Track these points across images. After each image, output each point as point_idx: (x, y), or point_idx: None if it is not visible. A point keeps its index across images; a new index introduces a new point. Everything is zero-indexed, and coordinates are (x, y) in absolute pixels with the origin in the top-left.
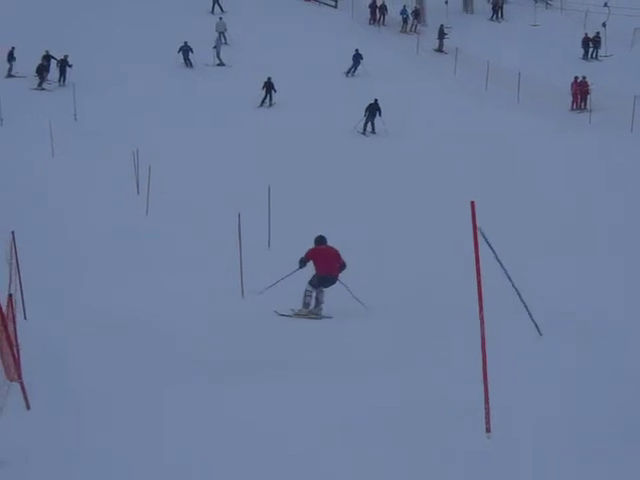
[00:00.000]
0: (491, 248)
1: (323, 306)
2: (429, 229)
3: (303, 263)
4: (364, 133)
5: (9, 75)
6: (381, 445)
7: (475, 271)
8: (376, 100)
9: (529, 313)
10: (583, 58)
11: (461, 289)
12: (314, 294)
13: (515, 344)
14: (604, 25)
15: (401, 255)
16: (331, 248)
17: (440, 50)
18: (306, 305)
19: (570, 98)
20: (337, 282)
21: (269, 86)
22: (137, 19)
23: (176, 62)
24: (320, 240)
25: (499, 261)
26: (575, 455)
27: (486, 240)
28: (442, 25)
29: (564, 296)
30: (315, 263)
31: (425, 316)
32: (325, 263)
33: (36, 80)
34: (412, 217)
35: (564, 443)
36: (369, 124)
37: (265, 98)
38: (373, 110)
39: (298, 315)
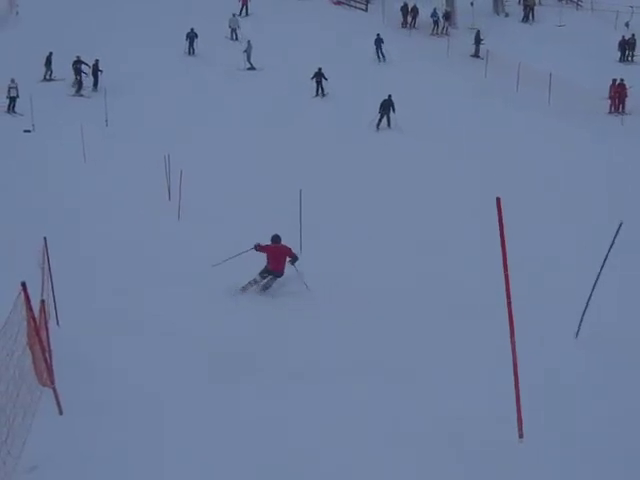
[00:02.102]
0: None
1: (269, 291)
2: (451, 229)
3: (256, 249)
4: (377, 129)
5: (45, 79)
6: (415, 451)
7: (504, 276)
8: (390, 96)
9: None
10: (620, 60)
11: (485, 289)
12: (257, 279)
13: (545, 349)
14: (627, 25)
15: (422, 255)
16: (282, 246)
17: (476, 55)
18: (247, 286)
19: (608, 101)
20: (283, 274)
21: (320, 76)
22: (169, 23)
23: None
24: (274, 239)
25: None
26: (605, 462)
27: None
28: (478, 30)
29: (599, 304)
30: (267, 257)
31: (451, 318)
32: (273, 259)
33: (74, 87)
34: (433, 218)
35: (595, 449)
36: (384, 120)
37: (318, 89)
38: (387, 106)
39: (243, 289)
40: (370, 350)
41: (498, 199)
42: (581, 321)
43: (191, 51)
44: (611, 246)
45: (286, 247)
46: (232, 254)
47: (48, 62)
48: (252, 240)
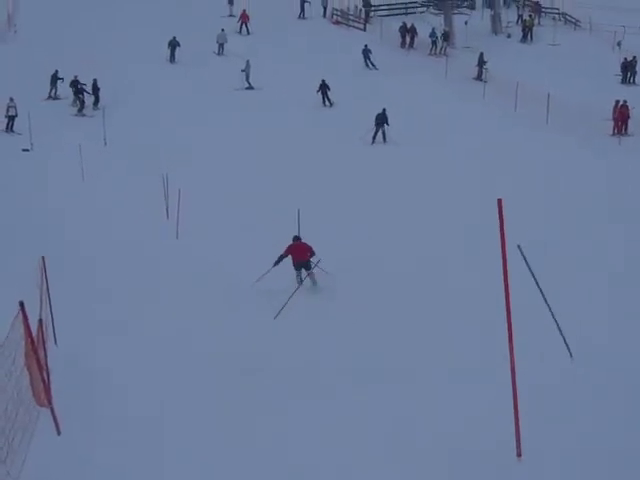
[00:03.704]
0: (528, 266)
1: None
2: (450, 243)
3: (281, 260)
4: (373, 142)
5: (50, 97)
6: (414, 468)
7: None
8: (384, 109)
9: (562, 335)
10: (622, 82)
11: (483, 300)
12: (297, 278)
13: (544, 365)
14: (619, 45)
15: (422, 264)
16: (303, 243)
17: (479, 78)
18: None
19: (611, 122)
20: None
21: (324, 87)
22: (163, 40)
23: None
24: (295, 239)
25: (536, 280)
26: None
27: (524, 257)
28: (482, 53)
29: (596, 323)
30: (292, 256)
31: (450, 332)
32: (297, 254)
33: (74, 106)
34: (432, 232)
35: (594, 468)
36: (379, 134)
37: (324, 99)
38: (381, 120)
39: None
40: (370, 362)
41: (499, 200)
42: (564, 340)
43: (172, 59)
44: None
45: (306, 244)
46: (265, 270)
47: (54, 80)
48: (250, 258)
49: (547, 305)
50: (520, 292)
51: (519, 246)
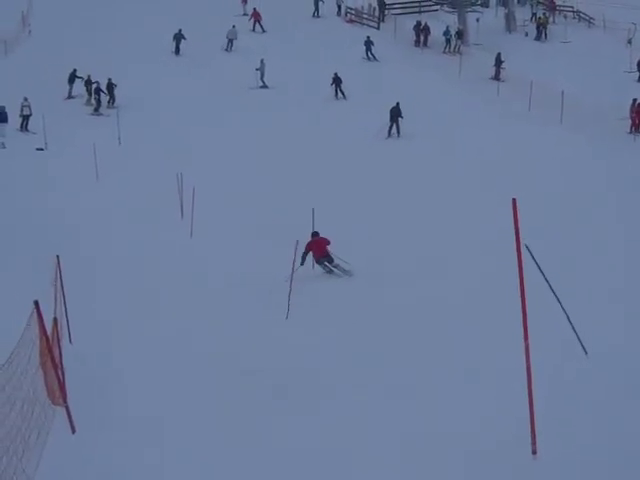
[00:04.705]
0: (538, 266)
1: (334, 268)
2: (461, 241)
3: (304, 259)
4: (389, 135)
5: (70, 97)
6: (427, 468)
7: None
8: (398, 103)
9: (575, 333)
10: (638, 80)
11: (496, 298)
12: (324, 267)
13: (558, 363)
14: (630, 42)
15: (434, 265)
16: (322, 238)
17: (497, 78)
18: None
19: (628, 121)
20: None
21: (338, 81)
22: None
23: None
24: (314, 234)
25: (545, 278)
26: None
27: (532, 257)
28: (499, 53)
29: (612, 323)
30: (312, 251)
31: (462, 329)
32: (318, 249)
33: (87, 106)
34: (444, 230)
35: (609, 466)
36: (394, 127)
37: (337, 92)
38: (395, 113)
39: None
40: (378, 363)
41: (514, 200)
42: (578, 337)
43: (177, 51)
44: None
45: (325, 238)
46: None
47: (72, 79)
48: (264, 257)
49: (559, 303)
50: (533, 291)
51: (526, 245)
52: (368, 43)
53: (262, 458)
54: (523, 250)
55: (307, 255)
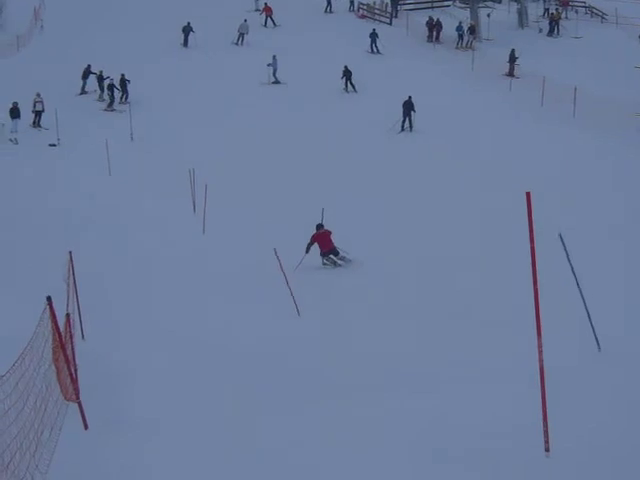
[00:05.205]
0: (567, 257)
1: (339, 260)
2: (474, 236)
3: (309, 248)
4: (402, 129)
5: (83, 92)
6: (439, 467)
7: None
8: (410, 97)
9: (592, 328)
10: None
11: (510, 297)
12: (328, 260)
13: (572, 359)
14: None
15: (448, 263)
16: (326, 231)
17: (511, 74)
18: (330, 264)
19: None
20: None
21: (347, 73)
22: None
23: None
24: (319, 227)
25: (573, 272)
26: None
27: (564, 246)
28: (513, 49)
29: (628, 320)
30: (318, 243)
31: (473, 327)
32: (323, 242)
33: (99, 101)
34: (457, 224)
35: (624, 464)
36: (407, 121)
37: (347, 84)
38: (408, 107)
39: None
40: (389, 362)
41: (528, 194)
42: (594, 332)
43: (185, 44)
44: None
45: (328, 230)
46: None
47: (86, 75)
48: (279, 252)
49: (582, 299)
50: (547, 286)
51: (560, 235)
52: (373, 35)
53: (278, 459)
54: (556, 240)
55: (312, 246)
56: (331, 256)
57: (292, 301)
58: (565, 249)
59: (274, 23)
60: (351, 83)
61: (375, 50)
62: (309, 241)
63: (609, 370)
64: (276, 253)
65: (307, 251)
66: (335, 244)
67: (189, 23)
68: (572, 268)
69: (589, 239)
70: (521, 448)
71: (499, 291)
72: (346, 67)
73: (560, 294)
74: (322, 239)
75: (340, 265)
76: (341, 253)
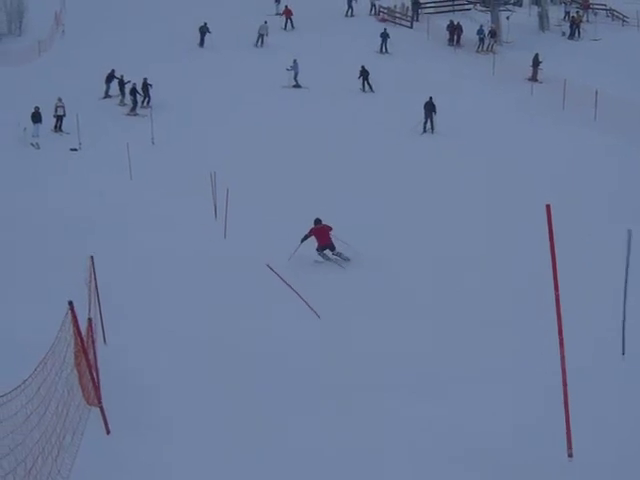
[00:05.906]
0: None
1: (334, 256)
2: (493, 238)
3: (304, 238)
4: (424, 130)
5: (107, 96)
6: (461, 470)
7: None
8: (431, 98)
9: (623, 331)
10: None
11: (528, 297)
12: (323, 256)
13: (594, 364)
14: None
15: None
16: (324, 225)
17: (534, 79)
18: (324, 260)
19: None
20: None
21: (365, 73)
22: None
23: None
24: (317, 222)
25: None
26: None
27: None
28: (537, 54)
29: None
30: (316, 237)
31: (495, 329)
32: (321, 237)
33: (121, 105)
34: (476, 227)
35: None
36: (428, 122)
37: (364, 85)
38: (430, 108)
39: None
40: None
41: (548, 206)
42: (623, 337)
43: (201, 44)
44: None
45: (327, 225)
46: (292, 252)
47: (109, 79)
48: (301, 259)
49: (623, 302)
50: (567, 290)
51: (629, 231)
52: (384, 35)
53: (293, 458)
54: (624, 235)
55: (308, 238)
56: (326, 252)
57: (302, 304)
58: (629, 247)
59: (292, 25)
60: (368, 83)
61: (384, 50)
62: (307, 233)
63: (632, 374)
64: (272, 268)
65: (302, 242)
66: (333, 241)
67: (205, 24)
68: (627, 266)
69: (608, 244)
70: (544, 453)
71: (520, 295)
72: (363, 67)
73: (581, 298)
74: (320, 233)
75: (334, 262)
76: (337, 250)
